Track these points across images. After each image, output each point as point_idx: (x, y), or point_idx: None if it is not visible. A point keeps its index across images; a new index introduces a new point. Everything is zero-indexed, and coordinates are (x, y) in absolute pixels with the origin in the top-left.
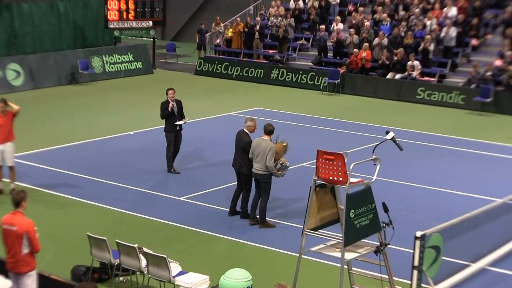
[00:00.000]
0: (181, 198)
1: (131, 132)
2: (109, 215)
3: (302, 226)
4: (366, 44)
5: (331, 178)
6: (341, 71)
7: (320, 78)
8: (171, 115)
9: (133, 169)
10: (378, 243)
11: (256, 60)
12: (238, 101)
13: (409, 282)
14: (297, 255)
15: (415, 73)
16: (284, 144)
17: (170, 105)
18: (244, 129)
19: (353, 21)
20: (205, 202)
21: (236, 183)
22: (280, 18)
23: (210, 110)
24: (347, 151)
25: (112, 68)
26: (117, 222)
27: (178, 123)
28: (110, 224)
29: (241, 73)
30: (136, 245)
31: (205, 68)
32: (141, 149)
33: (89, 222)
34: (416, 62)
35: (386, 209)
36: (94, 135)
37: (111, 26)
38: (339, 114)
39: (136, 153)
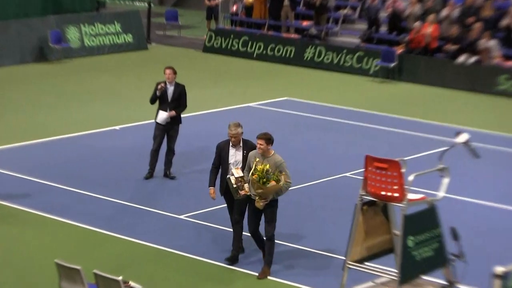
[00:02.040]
0: (181, 217)
1: (117, 127)
2: (84, 235)
3: (343, 258)
4: (431, 17)
5: (383, 193)
6: (398, 51)
7: (370, 60)
8: (161, 100)
9: (117, 176)
10: (445, 282)
11: (285, 35)
12: (260, 88)
13: None
14: None
15: (493, 56)
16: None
17: (160, 86)
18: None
19: None
20: (214, 223)
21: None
22: None
23: (223, 100)
24: (404, 158)
25: (93, 41)
26: (95, 245)
27: (161, 116)
28: (86, 248)
29: (264, 52)
30: (120, 278)
31: (216, 43)
32: (128, 149)
33: (57, 244)
34: (494, 42)
35: (455, 236)
36: (66, 131)
37: None
38: (395, 109)
39: (121, 154)
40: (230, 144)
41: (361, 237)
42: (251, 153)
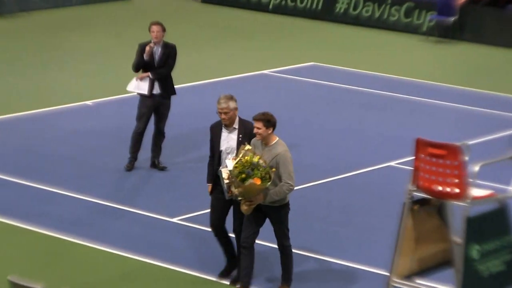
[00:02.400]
0: (173, 220)
1: (89, 102)
2: (46, 244)
3: (387, 273)
4: None
5: (439, 188)
6: (459, 2)
7: (423, 13)
8: (148, 66)
9: (90, 166)
10: None
11: None
12: (277, 51)
13: None
14: None
15: None
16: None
17: (148, 48)
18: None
19: None
20: None
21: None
22: None
23: (229, 66)
24: (467, 142)
25: None
26: (60, 257)
27: (134, 83)
28: (48, 261)
29: (283, 2)
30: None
31: None
32: (104, 131)
33: (10, 256)
34: None
35: None
36: (21, 107)
37: None
38: (454, 77)
39: (95, 138)
40: (223, 125)
41: (411, 246)
42: (253, 141)
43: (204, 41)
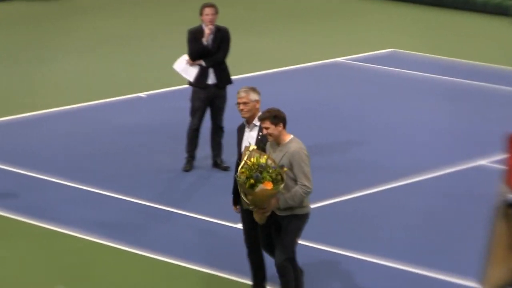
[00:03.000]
0: (238, 226)
1: (142, 94)
2: (91, 250)
3: (476, 285)
4: None
5: None
6: None
7: None
8: (205, 53)
9: (143, 166)
10: None
11: None
12: (352, 35)
13: None
14: None
15: None
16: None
17: (208, 31)
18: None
19: None
20: None
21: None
22: None
23: (294, 53)
24: None
25: None
26: (105, 264)
27: (181, 64)
28: (92, 268)
29: None
30: None
31: None
32: (159, 126)
33: (56, 264)
34: None
35: None
36: (66, 100)
37: None
38: None
39: (149, 133)
40: (244, 122)
41: (504, 255)
42: (268, 144)
43: (263, 24)
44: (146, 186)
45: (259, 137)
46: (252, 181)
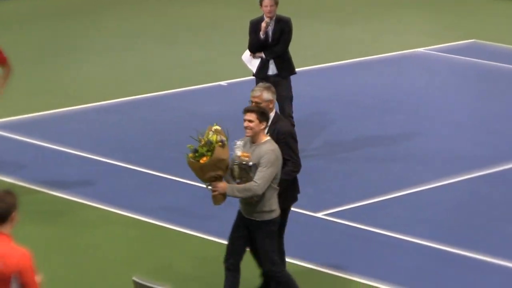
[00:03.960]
0: (318, 215)
1: (223, 83)
2: (168, 239)
3: None
4: None
5: None
6: None
7: None
8: (263, 45)
9: None
10: None
11: None
12: (431, 24)
13: None
14: None
15: None
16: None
17: (264, 24)
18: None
19: None
20: (368, 224)
21: None
22: None
23: (376, 43)
24: None
25: None
26: (181, 252)
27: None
28: (173, 258)
29: None
30: None
31: None
32: (237, 114)
33: (134, 253)
34: None
35: None
36: (146, 88)
37: None
38: None
39: (227, 121)
40: None
41: None
42: (244, 140)
43: (333, 13)
44: None
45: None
46: (198, 153)
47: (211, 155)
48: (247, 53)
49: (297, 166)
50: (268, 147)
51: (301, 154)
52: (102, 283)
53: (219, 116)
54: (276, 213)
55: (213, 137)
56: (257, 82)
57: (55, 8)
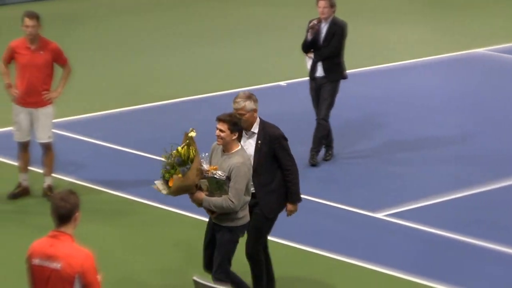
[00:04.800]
0: (377, 215)
1: (282, 83)
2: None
3: None
4: None
5: None
6: None
7: None
8: (313, 45)
9: None
10: None
11: None
12: (494, 25)
13: None
14: None
15: None
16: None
17: (312, 23)
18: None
19: None
20: (429, 225)
21: None
22: None
23: (435, 43)
24: None
25: None
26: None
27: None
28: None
29: None
30: None
31: None
32: (296, 114)
33: (192, 251)
34: None
35: None
36: (205, 89)
37: None
38: None
39: (285, 122)
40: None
41: None
42: (214, 145)
43: (406, 15)
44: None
45: (258, 145)
46: (168, 172)
47: (183, 175)
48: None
49: (296, 172)
50: (237, 160)
51: (356, 155)
52: (163, 282)
53: (277, 116)
54: (244, 220)
55: (191, 154)
56: (309, 82)
57: (115, 8)
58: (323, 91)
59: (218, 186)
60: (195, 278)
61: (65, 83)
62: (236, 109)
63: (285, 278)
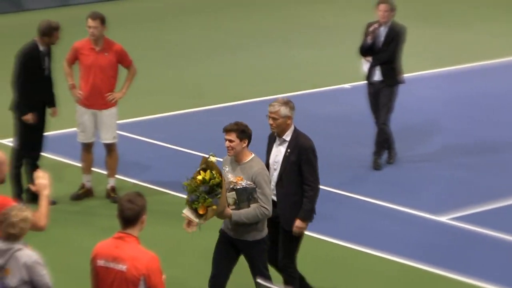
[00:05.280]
0: (443, 219)
1: (347, 85)
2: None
3: None
4: None
5: None
6: None
7: None
8: (371, 50)
9: (337, 156)
10: None
11: None
12: None
13: None
14: None
15: None
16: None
17: (372, 28)
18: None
19: None
20: (495, 229)
21: None
22: None
23: (494, 46)
24: None
25: None
26: (313, 257)
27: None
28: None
29: None
30: None
31: None
32: (359, 117)
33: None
34: None
35: None
36: (268, 89)
37: None
38: None
39: (348, 124)
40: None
41: None
42: (224, 159)
43: (471, 17)
44: (338, 177)
45: (287, 153)
46: (187, 197)
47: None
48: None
49: (316, 190)
50: (257, 166)
51: (419, 158)
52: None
53: (338, 118)
54: (266, 231)
55: (216, 179)
56: (367, 86)
57: (176, 8)
58: (382, 96)
59: (248, 195)
60: (258, 280)
61: (129, 85)
62: (270, 112)
63: (348, 280)
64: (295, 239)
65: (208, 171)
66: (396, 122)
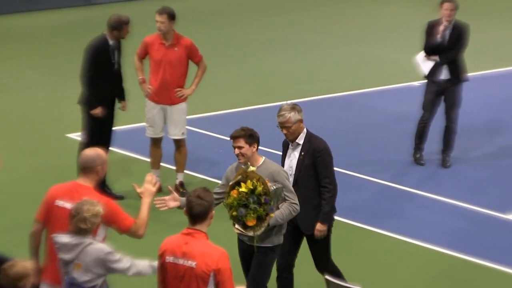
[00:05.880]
0: (508, 216)
1: (416, 83)
2: (344, 237)
3: None
4: None
5: None
6: None
7: None
8: (439, 49)
9: (405, 152)
10: None
11: None
12: None
13: None
14: None
15: None
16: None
17: (442, 27)
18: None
19: None
20: None
21: None
22: None
23: None
24: None
25: None
26: (359, 250)
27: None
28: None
29: None
30: None
31: None
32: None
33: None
34: None
35: None
36: (338, 87)
37: None
38: None
39: (415, 122)
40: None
41: None
42: (229, 168)
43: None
44: (403, 173)
45: (301, 156)
46: (234, 213)
47: (264, 219)
48: (421, 54)
49: (334, 191)
50: (274, 166)
51: (485, 156)
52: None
53: (405, 115)
54: (282, 238)
55: (258, 188)
56: (427, 85)
57: (246, 4)
58: (450, 94)
59: (277, 196)
60: (327, 277)
61: (199, 81)
62: (282, 123)
63: (419, 277)
64: (320, 242)
65: (249, 181)
66: (460, 120)
